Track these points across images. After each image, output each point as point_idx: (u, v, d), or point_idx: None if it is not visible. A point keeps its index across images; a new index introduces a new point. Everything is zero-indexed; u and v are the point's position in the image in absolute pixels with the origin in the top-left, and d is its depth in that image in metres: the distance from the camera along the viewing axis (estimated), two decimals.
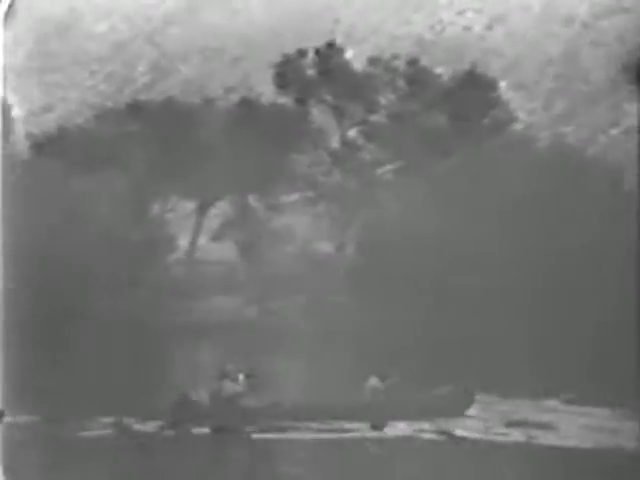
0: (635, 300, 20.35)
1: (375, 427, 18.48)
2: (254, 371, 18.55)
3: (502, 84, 25.30)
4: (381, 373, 19.32)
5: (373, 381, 19.27)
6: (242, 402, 18.37)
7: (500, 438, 18.48)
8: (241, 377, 18.41)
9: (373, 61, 25.02)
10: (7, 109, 25.08)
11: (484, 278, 23.18)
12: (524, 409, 19.80)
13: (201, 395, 18.22)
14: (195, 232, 25.17)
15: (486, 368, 20.23)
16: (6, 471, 14.18)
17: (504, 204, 23.68)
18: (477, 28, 25.47)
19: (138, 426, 18.29)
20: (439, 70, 25.19)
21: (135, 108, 25.02)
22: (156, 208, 25.30)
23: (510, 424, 18.97)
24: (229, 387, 18.25)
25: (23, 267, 23.01)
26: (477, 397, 19.79)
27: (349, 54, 25.07)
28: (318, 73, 24.96)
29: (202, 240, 25.21)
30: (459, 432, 18.60)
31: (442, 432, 18.61)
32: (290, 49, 24.78)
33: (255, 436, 18.04)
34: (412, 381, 19.43)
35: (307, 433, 18.28)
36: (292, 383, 20.51)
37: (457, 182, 24.16)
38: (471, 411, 19.61)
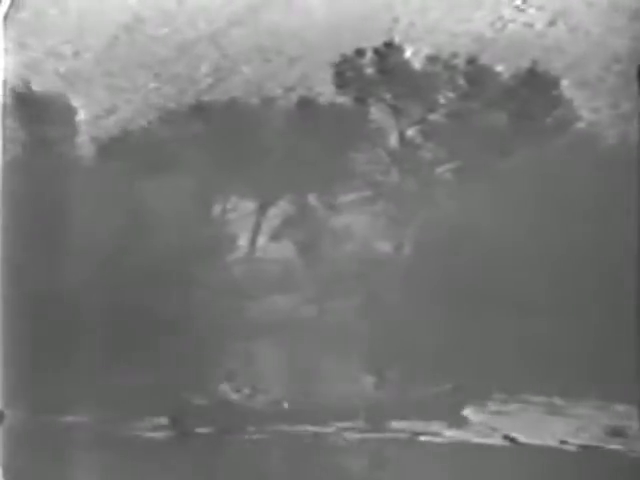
0: None
1: (375, 427, 18.22)
2: (255, 381, 18.37)
3: (565, 82, 24.93)
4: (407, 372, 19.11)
5: (369, 380, 19.03)
6: (242, 405, 18.12)
7: (562, 445, 18.07)
8: (246, 390, 18.24)
9: (432, 60, 24.89)
10: (72, 113, 25.63)
11: (544, 278, 22.86)
12: (593, 414, 19.35)
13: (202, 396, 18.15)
14: (255, 231, 25.37)
15: (559, 370, 19.90)
16: (6, 472, 14.41)
17: (566, 204, 23.31)
18: (539, 25, 25.14)
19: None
20: (499, 68, 24.93)
21: (198, 109, 25.31)
22: (217, 208, 25.56)
23: (579, 429, 18.50)
24: (228, 391, 18.13)
25: (87, 267, 23.46)
26: (538, 399, 19.44)
27: (408, 53, 24.99)
28: (377, 72, 24.93)
29: (262, 239, 25.39)
30: (522, 438, 18.27)
31: (505, 437, 18.29)
32: (349, 49, 24.82)
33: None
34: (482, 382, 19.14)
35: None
36: (343, 382, 20.50)
37: (518, 182, 23.86)
38: (532, 415, 19.25)
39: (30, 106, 25.47)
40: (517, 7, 25.24)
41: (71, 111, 25.65)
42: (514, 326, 22.25)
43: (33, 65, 25.76)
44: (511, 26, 25.13)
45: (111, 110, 25.64)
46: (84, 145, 25.57)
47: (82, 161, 25.50)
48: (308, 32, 24.37)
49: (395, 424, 18.56)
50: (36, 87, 25.39)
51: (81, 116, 25.53)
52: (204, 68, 25.26)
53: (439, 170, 25.03)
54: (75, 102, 25.47)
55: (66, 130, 25.70)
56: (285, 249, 24.91)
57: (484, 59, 24.93)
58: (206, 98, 25.19)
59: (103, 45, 25.67)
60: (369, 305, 23.86)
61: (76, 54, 25.78)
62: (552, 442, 17.58)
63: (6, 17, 18.63)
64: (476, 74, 24.85)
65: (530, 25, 25.17)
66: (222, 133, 24.92)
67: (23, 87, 25.36)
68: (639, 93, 22.02)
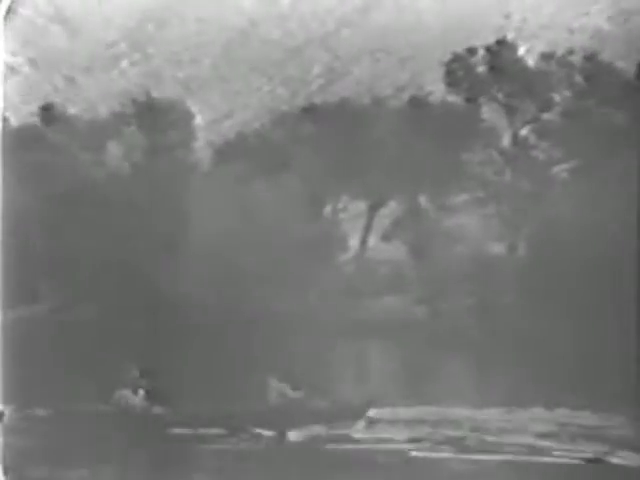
0: None
1: (280, 434, 17.78)
2: (158, 384, 17.86)
3: None
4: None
5: (275, 385, 18.51)
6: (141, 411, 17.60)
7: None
8: (141, 392, 17.68)
9: (546, 57, 24.32)
10: (190, 118, 26.15)
11: None
12: None
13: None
14: (365, 232, 25.32)
15: None
16: (6, 471, 14.48)
17: None
18: None
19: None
20: (621, 65, 24.14)
21: (310, 111, 25.46)
22: (329, 208, 25.63)
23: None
24: (128, 397, 17.62)
25: (203, 267, 23.88)
26: None
27: (521, 50, 24.49)
28: (489, 71, 24.54)
29: (372, 240, 25.32)
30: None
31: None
32: (459, 47, 24.51)
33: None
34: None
35: None
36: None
37: (637, 183, 23.07)
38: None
39: (149, 113, 26.12)
40: None
41: (189, 116, 26.17)
42: (635, 330, 21.50)
43: (154, 73, 26.38)
44: (634, 19, 24.26)
45: (227, 114, 26.02)
46: (201, 149, 26.02)
47: (199, 165, 25.96)
48: (418, 31, 24.16)
49: None
50: (155, 94, 26.00)
51: (198, 121, 25.99)
52: (315, 70, 25.36)
53: (555, 170, 24.41)
54: (193, 107, 25.96)
55: (184, 135, 26.24)
56: (396, 250, 24.76)
57: (603, 55, 24.17)
58: (317, 99, 25.28)
59: (219, 50, 26.08)
60: (482, 307, 23.48)
61: (194, 60, 26.27)
62: None
63: (6, 16, 18.93)
64: (594, 71, 24.14)
65: None
66: (333, 134, 24.99)
67: (143, 95, 26.02)
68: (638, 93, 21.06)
